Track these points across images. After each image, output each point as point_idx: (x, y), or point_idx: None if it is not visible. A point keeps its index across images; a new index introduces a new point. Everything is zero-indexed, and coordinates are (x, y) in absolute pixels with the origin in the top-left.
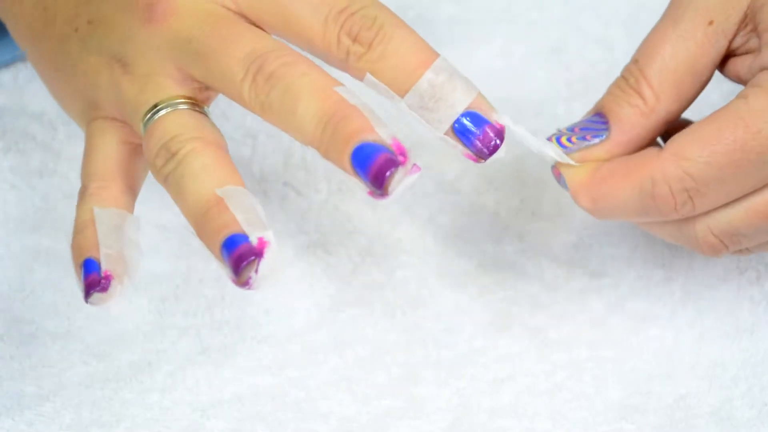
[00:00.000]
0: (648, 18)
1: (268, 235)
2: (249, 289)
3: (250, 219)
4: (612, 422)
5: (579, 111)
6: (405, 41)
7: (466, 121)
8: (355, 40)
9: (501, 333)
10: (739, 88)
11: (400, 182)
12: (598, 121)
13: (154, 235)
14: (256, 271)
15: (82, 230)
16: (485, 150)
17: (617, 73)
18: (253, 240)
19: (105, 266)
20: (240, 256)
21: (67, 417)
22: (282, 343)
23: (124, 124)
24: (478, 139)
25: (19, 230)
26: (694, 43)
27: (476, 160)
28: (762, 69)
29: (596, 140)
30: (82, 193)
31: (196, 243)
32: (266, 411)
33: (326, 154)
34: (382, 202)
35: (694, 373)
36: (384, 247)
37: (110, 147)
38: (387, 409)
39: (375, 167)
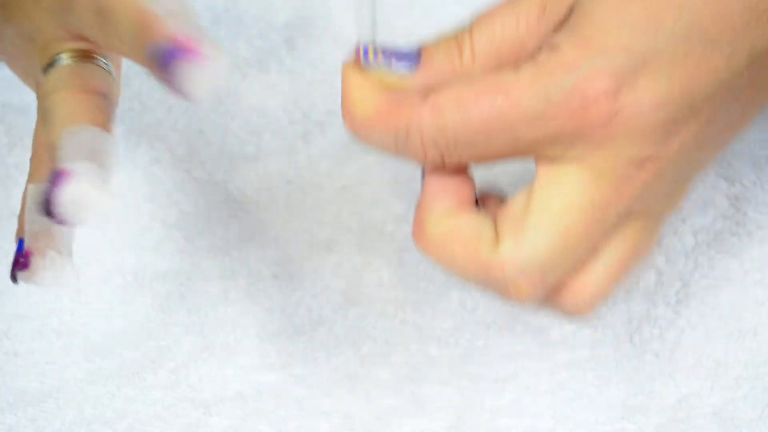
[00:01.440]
0: None
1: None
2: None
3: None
4: (614, 422)
5: None
6: None
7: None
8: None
9: (503, 332)
10: None
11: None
12: (412, 54)
13: (158, 233)
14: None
15: (21, 210)
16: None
17: None
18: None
19: (27, 243)
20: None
21: (69, 414)
22: (285, 341)
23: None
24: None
25: None
26: (526, 26)
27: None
28: (548, 44)
29: (398, 69)
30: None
31: (201, 241)
32: (269, 409)
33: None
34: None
35: (697, 374)
36: (389, 246)
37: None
38: (389, 408)
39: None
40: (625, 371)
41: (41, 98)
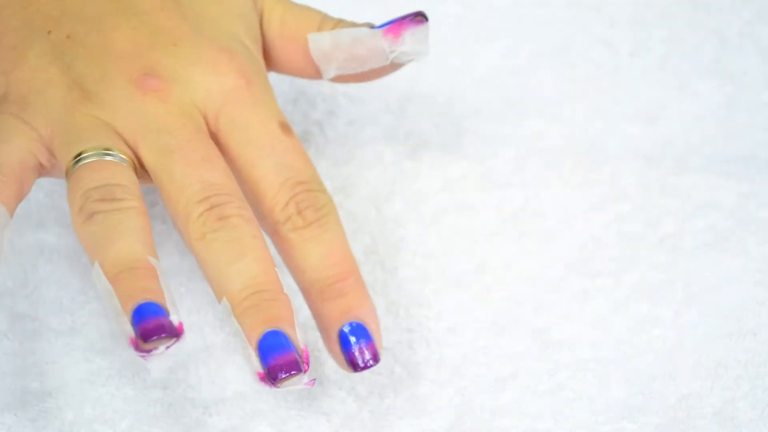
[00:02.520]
0: (653, 18)
1: (181, 324)
2: (144, 357)
3: (174, 302)
4: (614, 422)
5: (583, 111)
6: (338, 238)
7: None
8: (299, 212)
9: (503, 332)
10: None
11: (292, 384)
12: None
13: (159, 231)
14: (167, 347)
15: None
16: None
17: (622, 73)
18: (175, 320)
19: None
20: (157, 327)
21: (69, 413)
22: None
23: (40, 140)
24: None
25: (23, 226)
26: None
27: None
28: None
29: None
30: None
31: None
32: (268, 408)
33: (239, 317)
34: (265, 387)
35: (697, 374)
36: (387, 246)
37: (20, 150)
38: (389, 408)
39: (279, 362)
40: (625, 371)
41: (89, 170)
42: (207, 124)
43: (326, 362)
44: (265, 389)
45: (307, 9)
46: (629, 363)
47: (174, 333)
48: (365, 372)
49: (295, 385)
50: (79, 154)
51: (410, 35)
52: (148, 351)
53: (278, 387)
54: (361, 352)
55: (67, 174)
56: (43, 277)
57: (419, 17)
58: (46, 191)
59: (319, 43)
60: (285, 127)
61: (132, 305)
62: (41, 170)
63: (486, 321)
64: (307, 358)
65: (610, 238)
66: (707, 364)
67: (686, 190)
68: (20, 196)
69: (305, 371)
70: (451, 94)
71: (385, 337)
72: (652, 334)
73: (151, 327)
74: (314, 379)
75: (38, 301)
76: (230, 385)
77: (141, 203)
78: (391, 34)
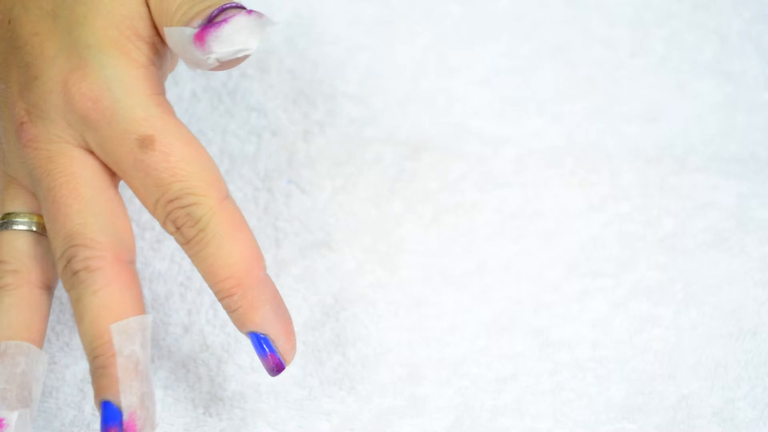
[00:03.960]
0: (653, 18)
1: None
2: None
3: (31, 392)
4: (614, 422)
5: (583, 111)
6: (220, 250)
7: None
8: (178, 230)
9: (503, 332)
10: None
11: None
12: None
13: (158, 233)
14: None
15: None
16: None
17: (622, 72)
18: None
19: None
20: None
21: (69, 413)
22: None
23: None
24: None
25: None
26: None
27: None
28: None
29: None
30: None
31: None
32: (268, 408)
33: (93, 380)
34: None
35: (697, 374)
36: (387, 246)
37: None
38: (389, 408)
39: None
40: (625, 371)
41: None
42: (81, 155)
43: (326, 363)
44: (263, 390)
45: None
46: (629, 363)
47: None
48: (365, 372)
49: None
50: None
51: (215, 41)
52: None
53: None
54: (265, 362)
55: None
56: None
57: (224, 15)
58: None
59: (167, 38)
60: (143, 141)
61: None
62: None
63: (486, 321)
64: (133, 426)
65: (610, 238)
66: (707, 364)
67: (686, 190)
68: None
69: None
70: (451, 94)
71: (386, 337)
72: (652, 334)
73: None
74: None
75: None
76: (230, 385)
77: (18, 278)
78: (197, 41)
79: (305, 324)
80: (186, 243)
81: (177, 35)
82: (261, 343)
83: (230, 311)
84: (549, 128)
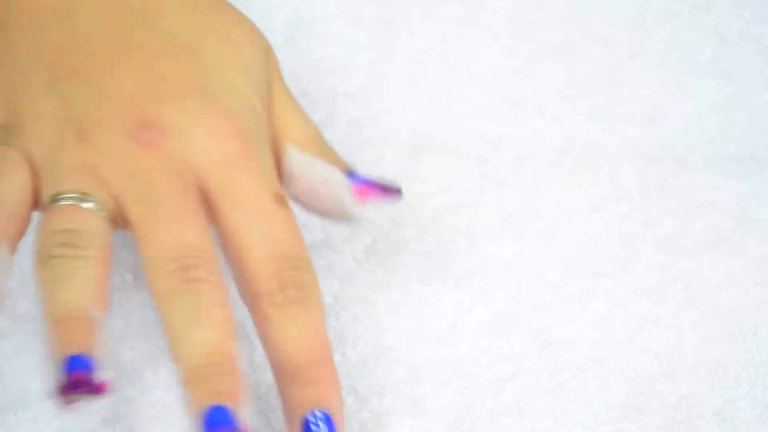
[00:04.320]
0: (653, 18)
1: (111, 379)
2: (66, 406)
3: (109, 359)
4: (614, 422)
5: (583, 111)
6: (316, 321)
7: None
8: (282, 289)
9: (503, 332)
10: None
11: None
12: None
13: None
14: (79, 403)
15: None
16: None
17: (622, 72)
18: (102, 376)
19: None
20: (79, 382)
21: (69, 413)
22: None
23: (34, 174)
24: None
25: None
26: None
27: None
28: None
29: None
30: None
31: None
32: (268, 408)
33: (186, 385)
34: None
35: (697, 374)
36: (387, 246)
37: (22, 184)
38: (389, 408)
39: None
40: (625, 371)
41: (62, 211)
42: (200, 182)
43: None
44: None
45: (305, 116)
46: (629, 363)
47: (96, 390)
48: (365, 372)
49: None
50: (57, 194)
51: (374, 206)
52: (69, 403)
53: None
54: None
55: (44, 212)
56: None
57: (393, 194)
58: None
59: (293, 160)
60: (279, 198)
61: (62, 355)
62: (35, 205)
63: (486, 321)
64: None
65: (610, 238)
66: (707, 364)
67: (686, 190)
68: (22, 232)
69: None
70: (451, 94)
71: (385, 337)
72: (652, 334)
73: (73, 381)
74: None
75: (38, 301)
76: None
77: (103, 253)
78: (359, 195)
79: None
80: (283, 304)
81: (318, 168)
82: (327, 424)
83: (307, 383)
84: (549, 128)
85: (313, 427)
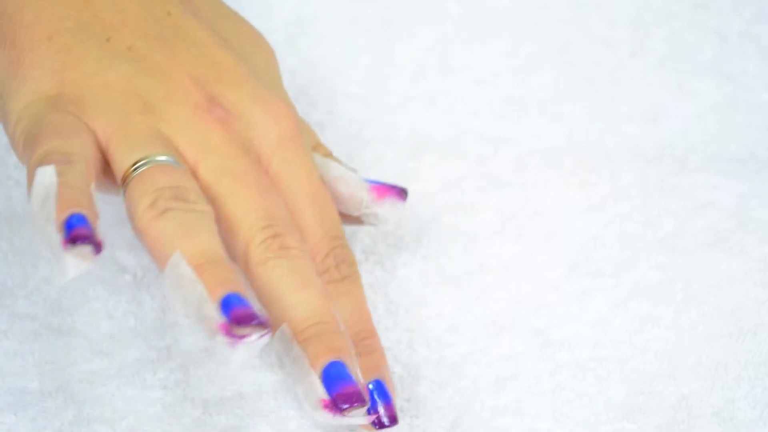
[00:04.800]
0: (653, 18)
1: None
2: (233, 344)
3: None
4: (614, 422)
5: (583, 111)
6: (363, 296)
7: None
8: (337, 265)
9: (503, 332)
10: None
11: (355, 415)
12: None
13: None
14: (260, 336)
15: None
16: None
17: (622, 72)
18: (262, 314)
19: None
20: (249, 315)
21: (69, 413)
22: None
23: (97, 143)
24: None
25: (23, 226)
26: None
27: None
28: None
29: None
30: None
31: None
32: (269, 408)
33: (303, 344)
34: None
35: (697, 374)
36: (387, 246)
37: (91, 152)
38: None
39: (345, 392)
40: (625, 371)
41: (155, 172)
42: (260, 162)
43: None
44: (265, 389)
45: (308, 127)
46: (629, 363)
47: (266, 324)
48: None
49: (357, 417)
50: (144, 158)
51: (390, 203)
52: (241, 337)
53: (343, 416)
54: (382, 410)
55: (125, 178)
56: (42, 276)
57: (403, 194)
58: None
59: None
60: (323, 182)
61: (221, 293)
62: (103, 169)
63: (486, 321)
64: (369, 394)
65: (610, 238)
66: (707, 364)
67: (686, 190)
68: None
69: (367, 404)
70: (451, 94)
71: (385, 337)
72: (652, 334)
73: (244, 314)
74: (375, 415)
75: (38, 301)
76: (230, 385)
77: (211, 209)
78: (375, 192)
79: None
80: (340, 280)
81: (334, 167)
82: (382, 392)
83: (365, 353)
84: (549, 128)
85: (373, 396)
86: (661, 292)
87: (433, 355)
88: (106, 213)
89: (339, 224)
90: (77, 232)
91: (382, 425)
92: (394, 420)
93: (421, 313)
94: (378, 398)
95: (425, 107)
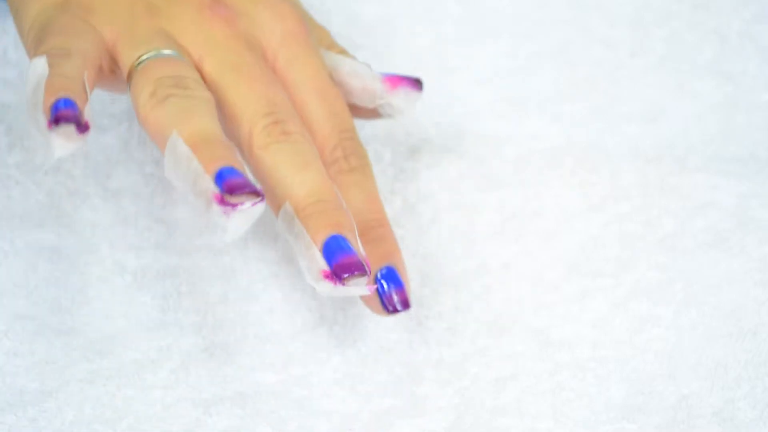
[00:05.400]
0: (653, 18)
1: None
2: (227, 213)
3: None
4: (614, 422)
5: (583, 111)
6: (375, 187)
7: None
8: (346, 157)
9: (503, 332)
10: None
11: (355, 285)
12: None
13: (158, 232)
14: (252, 204)
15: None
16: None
17: (622, 72)
18: (255, 183)
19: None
20: (242, 183)
21: (69, 414)
22: (285, 341)
23: (104, 44)
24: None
25: (23, 226)
26: None
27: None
28: None
29: None
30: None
31: (201, 240)
32: (269, 409)
33: (305, 219)
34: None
35: (697, 374)
36: None
37: (93, 49)
38: (389, 408)
39: (345, 262)
40: (625, 371)
41: (158, 64)
42: (265, 59)
43: (327, 362)
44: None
45: (320, 26)
46: (629, 363)
47: (258, 192)
48: (365, 372)
49: (358, 286)
50: (149, 51)
51: (404, 93)
52: (234, 205)
53: (343, 285)
54: (394, 296)
55: (131, 74)
56: (42, 276)
57: (418, 84)
58: (46, 191)
59: (324, 58)
60: (332, 78)
61: (215, 167)
62: (100, 74)
63: (486, 321)
64: (368, 264)
65: (610, 238)
66: (707, 364)
67: (686, 190)
68: (95, 83)
69: (368, 273)
70: (451, 94)
71: (385, 337)
72: (652, 334)
73: (237, 183)
74: (375, 287)
75: (38, 301)
76: (230, 385)
77: (211, 96)
78: (389, 83)
79: (305, 323)
80: (349, 171)
81: (346, 63)
82: (394, 278)
83: (375, 241)
84: (549, 128)
85: (384, 282)
86: (661, 292)
87: (433, 354)
88: (107, 211)
89: (349, 118)
90: (61, 113)
91: (394, 310)
92: (406, 304)
93: (421, 313)
94: (388, 283)
95: (425, 107)
